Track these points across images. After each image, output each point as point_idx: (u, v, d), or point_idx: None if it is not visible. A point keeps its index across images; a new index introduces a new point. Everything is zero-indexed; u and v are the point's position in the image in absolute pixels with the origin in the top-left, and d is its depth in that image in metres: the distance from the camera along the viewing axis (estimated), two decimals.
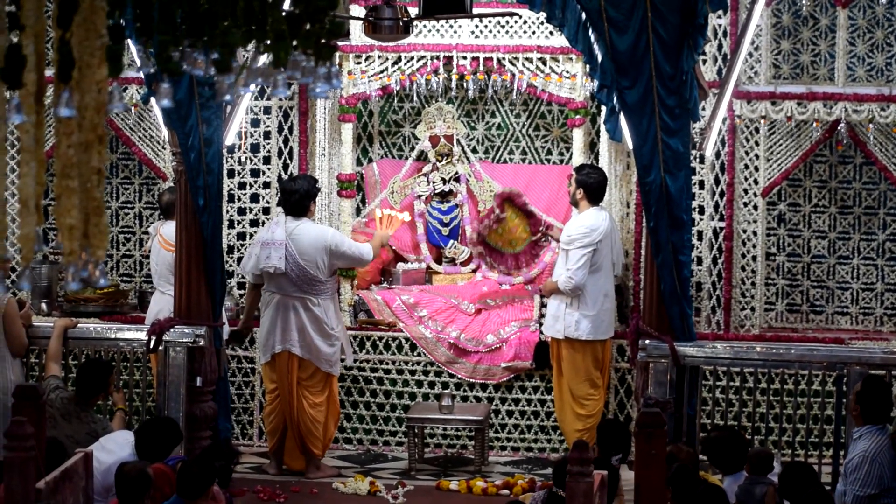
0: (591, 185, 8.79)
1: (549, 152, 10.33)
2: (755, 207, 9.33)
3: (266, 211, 9.72)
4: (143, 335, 8.07)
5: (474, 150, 10.37)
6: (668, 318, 7.77)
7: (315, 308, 8.46)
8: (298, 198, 8.53)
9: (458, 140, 10.17)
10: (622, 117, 8.21)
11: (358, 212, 10.02)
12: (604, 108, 8.92)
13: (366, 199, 10.21)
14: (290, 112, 9.64)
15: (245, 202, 9.75)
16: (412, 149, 10.29)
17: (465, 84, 9.62)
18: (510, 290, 9.79)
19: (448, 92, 10.02)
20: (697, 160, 9.12)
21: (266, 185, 9.74)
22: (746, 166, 9.29)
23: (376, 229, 9.25)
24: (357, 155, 10.17)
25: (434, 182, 10.18)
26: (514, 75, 9.44)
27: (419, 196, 10.19)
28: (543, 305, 9.17)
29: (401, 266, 10.05)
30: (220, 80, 3.80)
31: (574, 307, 8.73)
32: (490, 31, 9.55)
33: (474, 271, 10.11)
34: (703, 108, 8.57)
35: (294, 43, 3.71)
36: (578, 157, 9.44)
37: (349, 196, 9.73)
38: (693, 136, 8.28)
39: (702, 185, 9.27)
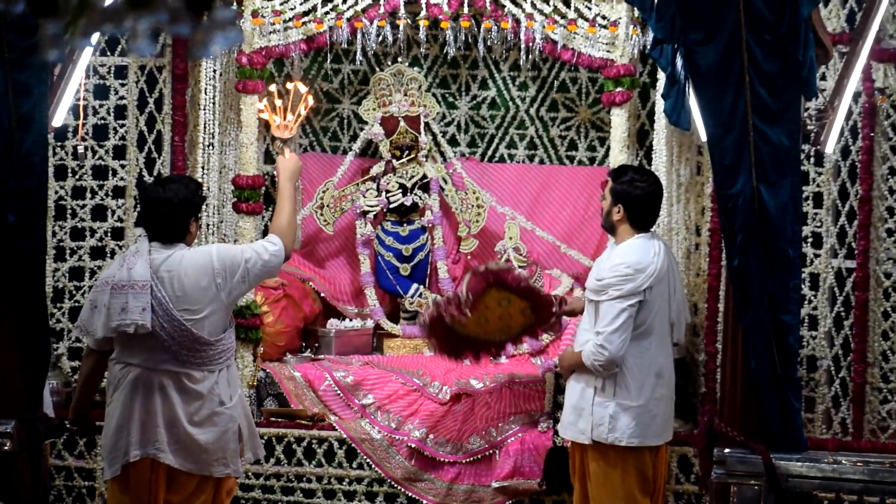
0: (638, 199, 8.64)
1: (574, 146, 10.77)
2: None
3: (117, 233, 10.00)
4: None
5: (453, 142, 10.42)
6: (760, 414, 7.63)
7: (198, 386, 8.30)
8: (170, 212, 8.19)
9: (427, 124, 10.31)
10: (691, 91, 8.25)
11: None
12: (661, 76, 9.17)
13: None
14: (159, 76, 9.82)
15: (84, 219, 10.01)
16: (354, 137, 10.83)
17: (440, 36, 9.57)
18: (507, 364, 9.99)
19: (413, 48, 9.99)
20: (812, 161, 9.35)
21: (118, 191, 9.91)
22: (893, 171, 9.33)
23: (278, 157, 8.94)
24: (266, 146, 10.13)
25: (389, 191, 10.16)
26: (518, 23, 9.60)
27: (365, 213, 10.54)
28: (561, 391, 9.21)
29: (333, 324, 10.39)
30: (44, 25, 3.77)
31: (608, 393, 8.63)
32: None
33: None
34: (824, 78, 9.01)
35: None
36: (619, 155, 9.64)
37: (252, 212, 9.92)
38: (806, 123, 8.32)
39: (818, 200, 9.43)
